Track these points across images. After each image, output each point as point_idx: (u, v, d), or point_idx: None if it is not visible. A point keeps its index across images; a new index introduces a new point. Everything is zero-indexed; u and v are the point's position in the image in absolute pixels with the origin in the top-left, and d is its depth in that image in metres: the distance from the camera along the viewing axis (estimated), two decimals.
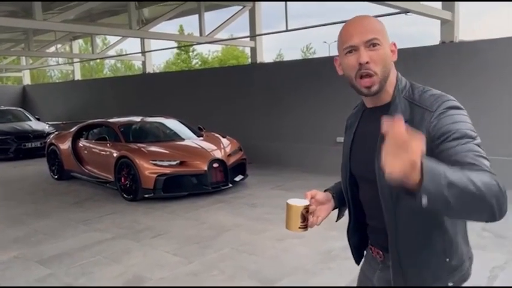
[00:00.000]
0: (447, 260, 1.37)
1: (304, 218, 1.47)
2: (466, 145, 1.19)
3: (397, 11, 6.57)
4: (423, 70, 7.05)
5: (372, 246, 1.54)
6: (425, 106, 1.30)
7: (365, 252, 1.62)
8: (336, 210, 1.65)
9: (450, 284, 1.38)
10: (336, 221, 1.67)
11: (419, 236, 1.36)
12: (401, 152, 0.94)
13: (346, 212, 1.63)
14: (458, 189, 1.02)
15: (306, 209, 1.47)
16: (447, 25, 7.22)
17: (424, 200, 1.00)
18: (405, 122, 1.26)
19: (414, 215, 1.32)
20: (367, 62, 1.31)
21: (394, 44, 1.39)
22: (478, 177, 1.06)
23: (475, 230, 4.58)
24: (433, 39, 7.66)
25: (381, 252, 1.49)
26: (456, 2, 7.19)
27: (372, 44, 1.31)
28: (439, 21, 7.29)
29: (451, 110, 1.27)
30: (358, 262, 1.65)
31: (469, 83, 6.74)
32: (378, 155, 1.32)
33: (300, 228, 1.47)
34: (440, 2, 7.31)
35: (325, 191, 1.63)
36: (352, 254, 1.64)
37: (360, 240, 1.60)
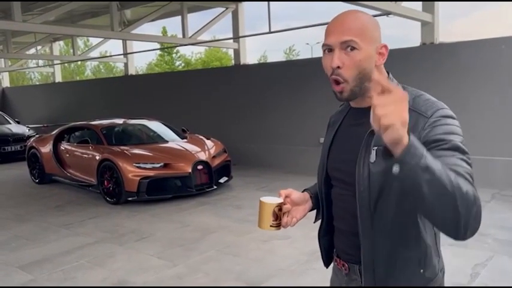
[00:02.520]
0: (421, 271, 1.31)
1: (277, 217, 1.41)
2: (455, 158, 1.14)
3: (378, 13, 6.65)
4: (404, 71, 7.14)
5: (338, 258, 1.48)
6: (420, 111, 1.23)
7: (333, 262, 1.56)
8: (314, 211, 1.59)
9: None
10: (314, 222, 1.63)
11: (396, 246, 1.30)
12: (398, 104, 0.96)
13: None
14: (433, 177, 0.99)
15: (279, 207, 1.41)
16: (427, 27, 7.34)
17: (396, 168, 0.99)
18: None
19: (392, 223, 1.28)
20: (338, 67, 1.24)
21: (385, 46, 1.30)
22: (458, 180, 1.03)
23: None
24: (413, 42, 7.77)
25: (346, 265, 1.43)
26: (436, 4, 7.31)
27: (348, 47, 1.23)
28: (419, 24, 7.41)
29: (446, 119, 1.22)
30: (327, 265, 1.60)
31: (448, 83, 6.86)
32: (359, 160, 1.29)
33: (271, 226, 1.41)
34: (420, 4, 7.43)
35: (303, 191, 1.58)
36: (322, 256, 1.59)
37: (330, 243, 1.54)
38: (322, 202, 1.51)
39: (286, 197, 1.46)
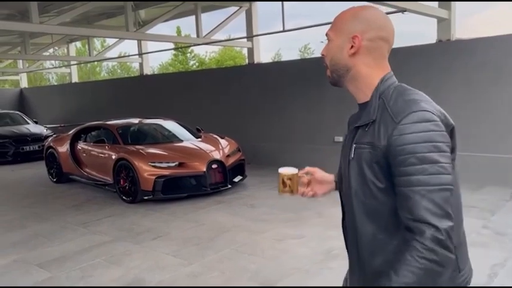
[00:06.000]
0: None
1: (286, 185, 1.71)
2: (420, 176, 1.15)
3: (394, 10, 6.58)
4: (421, 68, 7.07)
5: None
6: (392, 113, 1.22)
7: None
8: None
9: None
10: None
11: (377, 232, 1.31)
12: None
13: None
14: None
15: (288, 176, 1.70)
16: (443, 23, 7.24)
17: None
18: (372, 122, 1.27)
19: (369, 215, 1.31)
20: (322, 55, 1.43)
21: (356, 37, 1.30)
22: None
23: (475, 228, 4.59)
24: (429, 39, 7.67)
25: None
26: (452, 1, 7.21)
27: (327, 38, 1.41)
28: (435, 21, 7.31)
29: (416, 125, 1.17)
30: None
31: (464, 79, 6.75)
32: (349, 156, 1.34)
33: (282, 192, 1.73)
34: (436, 1, 7.34)
35: (336, 174, 1.68)
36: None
37: None
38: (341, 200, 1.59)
39: (308, 173, 1.73)
